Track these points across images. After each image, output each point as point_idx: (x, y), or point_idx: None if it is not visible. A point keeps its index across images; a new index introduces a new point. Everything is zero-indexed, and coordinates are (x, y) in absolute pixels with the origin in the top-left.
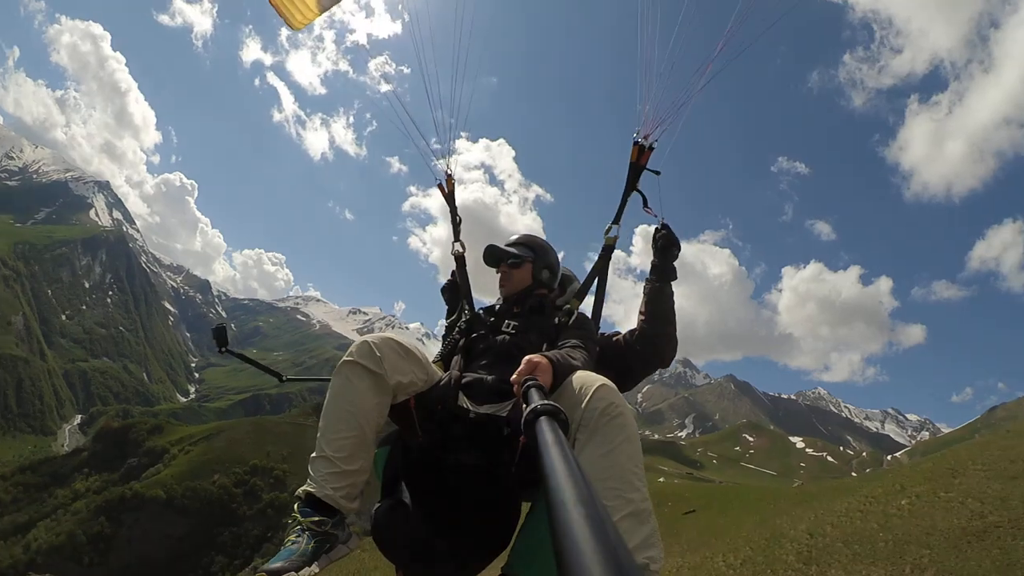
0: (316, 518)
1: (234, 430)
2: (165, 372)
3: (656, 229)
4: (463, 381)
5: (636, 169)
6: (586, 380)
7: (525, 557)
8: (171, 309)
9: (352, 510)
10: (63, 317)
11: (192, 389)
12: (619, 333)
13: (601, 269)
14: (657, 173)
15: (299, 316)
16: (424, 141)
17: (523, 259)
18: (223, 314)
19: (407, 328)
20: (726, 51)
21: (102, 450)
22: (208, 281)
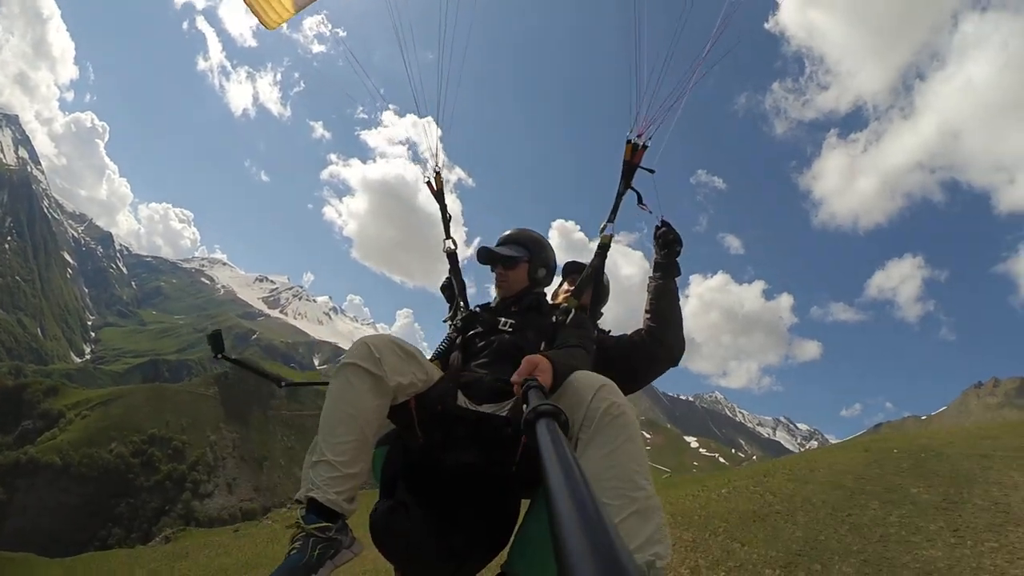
0: (320, 524)
1: (133, 396)
2: (60, 329)
3: (657, 227)
4: (462, 380)
5: (630, 167)
6: (587, 380)
7: (524, 556)
8: (70, 261)
9: (352, 511)
10: None
11: (88, 349)
12: (624, 334)
13: (598, 267)
14: (651, 171)
15: (203, 279)
16: (424, 138)
17: (518, 259)
18: (124, 270)
19: (315, 301)
20: (713, 52)
21: None
22: (111, 233)
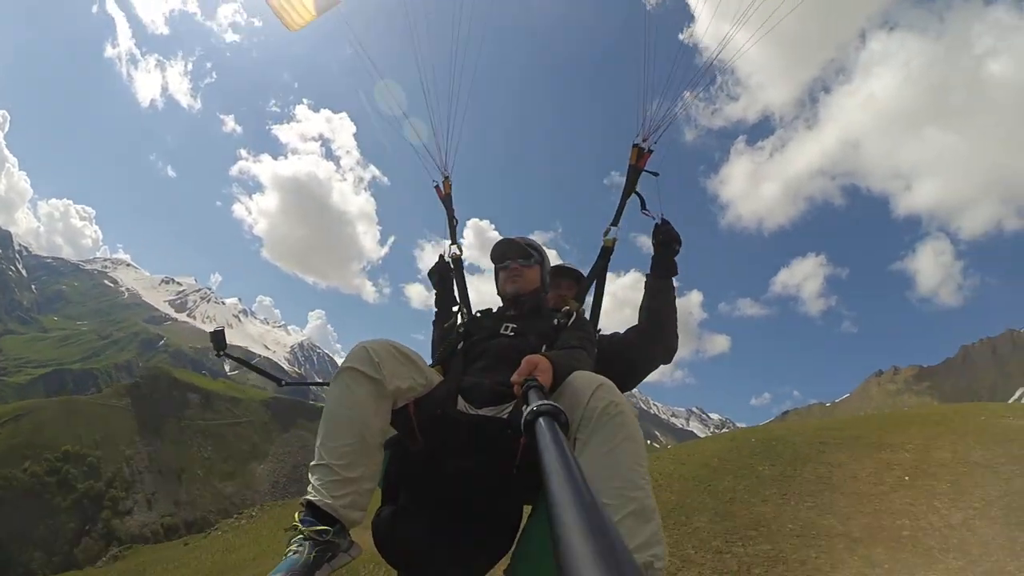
0: (318, 527)
1: (42, 411)
2: None
3: (656, 225)
4: (462, 384)
5: (635, 171)
6: (586, 380)
7: (527, 560)
8: None
9: (356, 521)
10: None
11: None
12: (618, 333)
13: (600, 270)
14: (656, 175)
15: (107, 281)
16: (427, 138)
17: (535, 260)
18: (24, 273)
19: (223, 302)
20: (721, 58)
21: None
22: (10, 233)
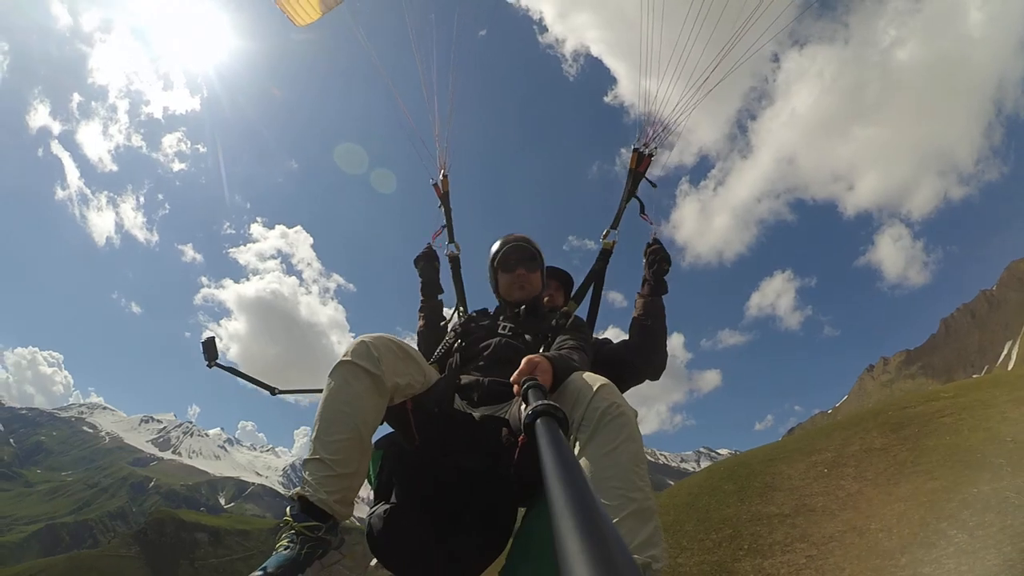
0: (309, 523)
1: (51, 570)
2: None
3: (648, 244)
4: (460, 383)
5: (636, 176)
6: (587, 380)
7: (525, 556)
8: None
9: (347, 516)
10: None
11: None
12: (608, 340)
13: (598, 273)
14: (654, 185)
15: (85, 428)
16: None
17: (538, 263)
18: (0, 427)
19: (207, 435)
20: (724, 63)
21: None
22: None
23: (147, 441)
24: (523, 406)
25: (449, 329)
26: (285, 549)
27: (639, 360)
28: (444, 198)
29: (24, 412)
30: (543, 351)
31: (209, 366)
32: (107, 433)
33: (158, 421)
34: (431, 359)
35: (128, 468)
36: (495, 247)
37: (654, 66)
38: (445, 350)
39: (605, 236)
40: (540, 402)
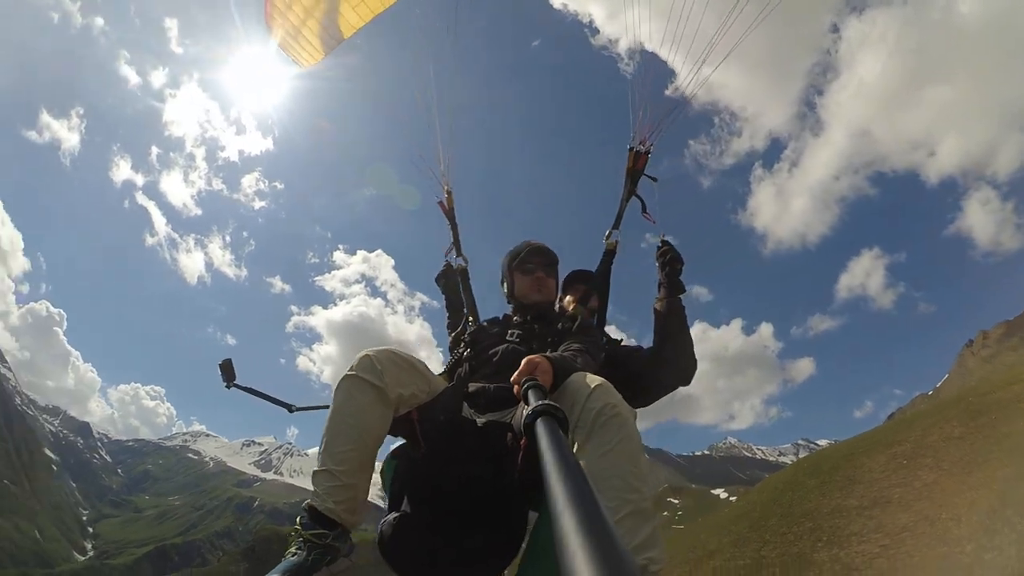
0: (317, 531)
1: None
2: (58, 529)
3: (658, 247)
4: (468, 391)
5: (634, 174)
6: (583, 380)
7: (536, 564)
8: (52, 456)
9: (354, 523)
10: None
11: (89, 546)
12: (640, 347)
13: (603, 274)
14: (654, 180)
15: (190, 454)
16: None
17: (556, 269)
18: (108, 459)
19: (306, 454)
20: (721, 48)
21: None
22: (88, 423)
23: (250, 464)
24: (523, 406)
25: (459, 339)
26: (293, 556)
27: (665, 368)
28: (449, 214)
29: (130, 444)
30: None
31: (228, 387)
32: (211, 458)
33: (259, 444)
34: (444, 371)
35: (233, 490)
36: (514, 249)
37: (653, 47)
38: (455, 360)
39: (607, 237)
40: (540, 402)
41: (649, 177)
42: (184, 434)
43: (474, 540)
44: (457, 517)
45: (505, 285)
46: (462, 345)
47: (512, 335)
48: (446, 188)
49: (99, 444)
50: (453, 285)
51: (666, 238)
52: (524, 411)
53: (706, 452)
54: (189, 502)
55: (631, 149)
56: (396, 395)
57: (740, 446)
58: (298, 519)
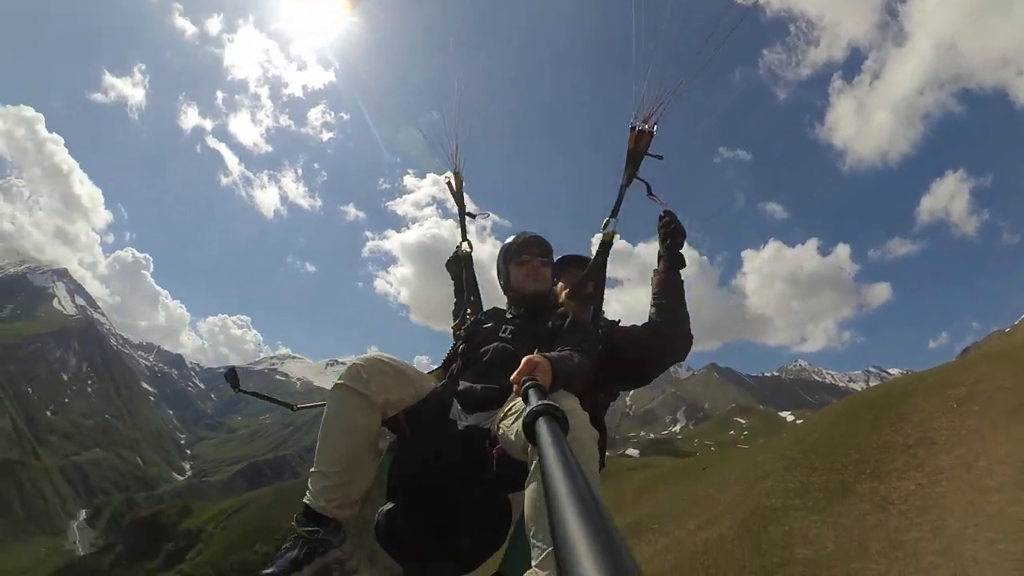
0: (310, 527)
1: (261, 499)
2: (158, 454)
3: (660, 216)
4: (457, 390)
5: (635, 156)
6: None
7: (517, 549)
8: (150, 389)
9: (348, 517)
10: (48, 413)
11: (187, 467)
12: (636, 325)
13: (599, 266)
14: (660, 158)
15: (277, 376)
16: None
17: (550, 259)
18: (201, 386)
19: None
20: (727, 22)
21: (135, 542)
22: (181, 355)
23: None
24: (524, 406)
25: (455, 335)
26: (286, 551)
27: (660, 341)
28: (457, 196)
29: (221, 370)
30: (544, 353)
31: (236, 392)
32: (298, 379)
33: (342, 363)
34: (440, 365)
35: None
36: (509, 240)
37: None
38: (449, 354)
39: (605, 226)
40: (540, 402)
41: (654, 156)
42: (271, 358)
43: (461, 530)
44: (445, 509)
45: (501, 278)
46: (457, 340)
47: (504, 331)
48: (455, 167)
49: (192, 373)
50: (460, 271)
51: (668, 208)
52: (524, 411)
53: (775, 374)
54: (279, 420)
55: (633, 128)
56: (382, 400)
57: (810, 369)
58: (295, 517)
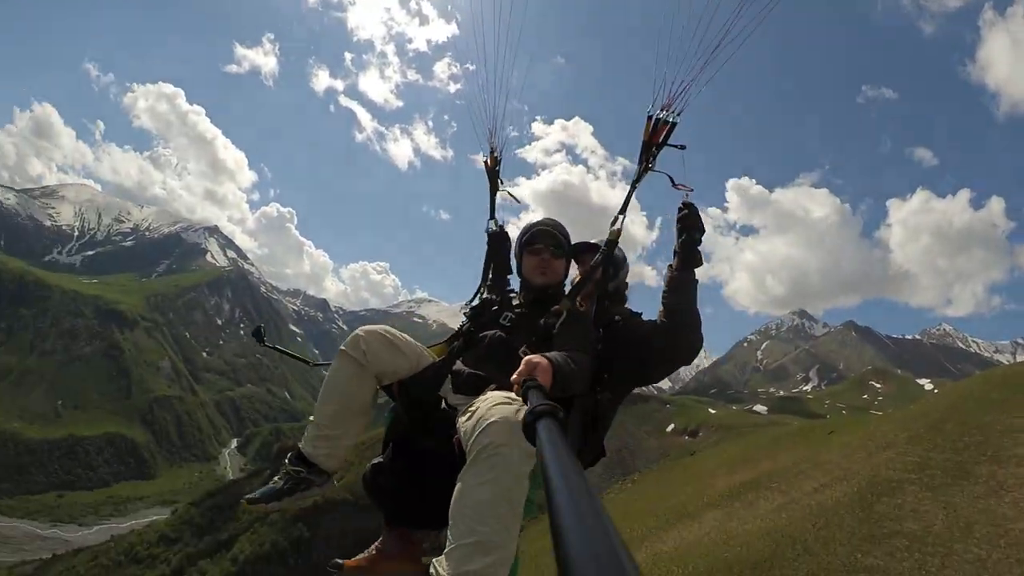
0: (297, 467)
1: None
2: (304, 389)
3: (679, 208)
4: (452, 370)
5: (649, 148)
6: (485, 414)
7: None
8: (297, 331)
9: (331, 468)
10: (204, 354)
11: None
12: (643, 323)
13: (601, 264)
14: (682, 147)
15: (415, 319)
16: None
17: (564, 251)
18: (344, 327)
19: None
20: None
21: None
22: (325, 299)
23: None
24: (524, 406)
25: (464, 313)
26: (273, 483)
27: (665, 344)
28: (492, 174)
29: (363, 313)
30: (534, 347)
31: (263, 345)
32: (434, 321)
33: None
34: (447, 339)
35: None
36: (526, 227)
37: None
38: (455, 332)
39: (613, 223)
40: (540, 403)
41: (675, 147)
42: (409, 301)
43: (439, 489)
44: (426, 469)
45: (516, 261)
46: (465, 319)
47: (505, 319)
48: (492, 148)
49: (336, 316)
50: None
51: (688, 199)
52: (524, 411)
53: (917, 337)
54: None
55: (650, 117)
56: (377, 370)
57: (955, 335)
58: (287, 456)
